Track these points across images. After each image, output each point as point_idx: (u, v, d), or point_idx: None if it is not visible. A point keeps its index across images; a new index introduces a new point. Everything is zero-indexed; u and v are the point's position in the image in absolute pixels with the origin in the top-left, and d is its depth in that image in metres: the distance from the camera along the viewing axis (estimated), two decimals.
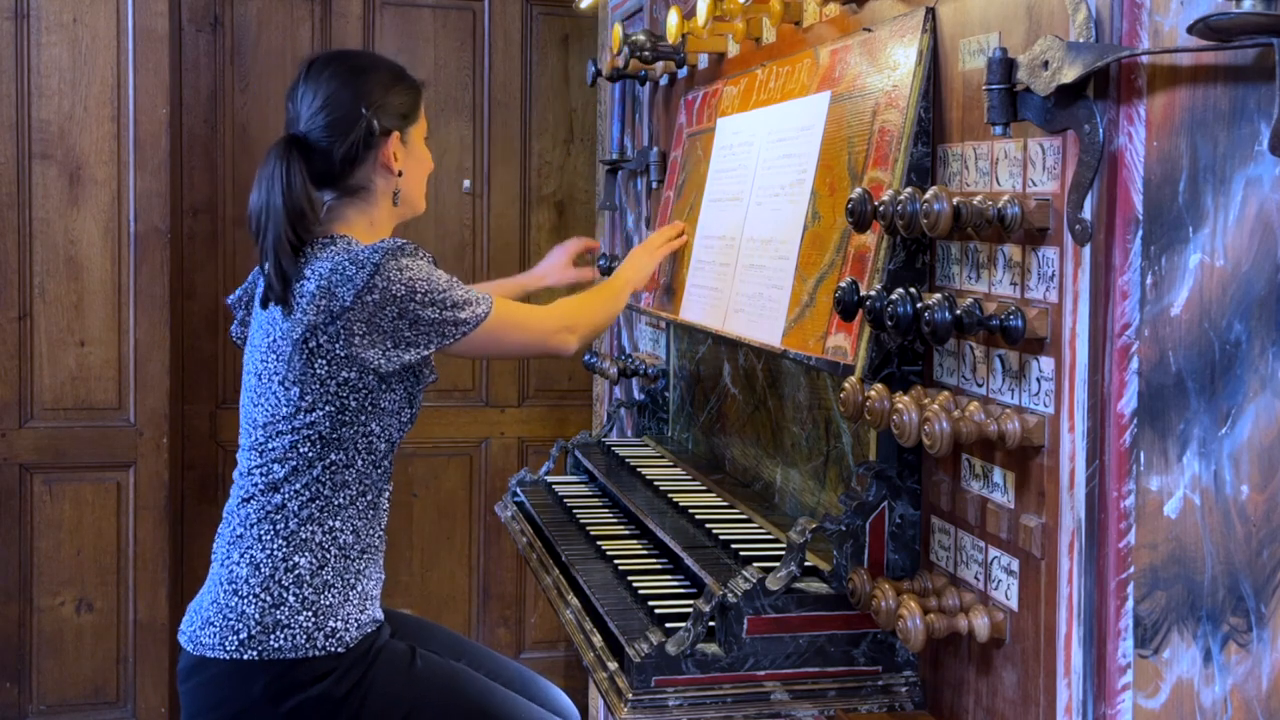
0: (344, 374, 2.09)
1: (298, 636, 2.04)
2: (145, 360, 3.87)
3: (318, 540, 2.10)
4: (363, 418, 2.12)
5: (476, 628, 4.38)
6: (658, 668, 1.69)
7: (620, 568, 2.13)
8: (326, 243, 2.16)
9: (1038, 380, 1.49)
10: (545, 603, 4.28)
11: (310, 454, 2.11)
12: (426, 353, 2.12)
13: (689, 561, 1.99)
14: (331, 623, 2.07)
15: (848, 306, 1.66)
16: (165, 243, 3.87)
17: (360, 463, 2.14)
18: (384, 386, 2.13)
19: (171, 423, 3.91)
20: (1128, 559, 1.38)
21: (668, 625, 1.81)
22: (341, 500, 2.12)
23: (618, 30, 2.92)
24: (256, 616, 2.05)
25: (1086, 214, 1.40)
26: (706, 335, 2.51)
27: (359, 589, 2.12)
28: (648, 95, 3.19)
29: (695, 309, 2.40)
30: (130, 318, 3.87)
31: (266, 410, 2.14)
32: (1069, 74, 1.36)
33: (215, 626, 2.07)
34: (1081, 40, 1.38)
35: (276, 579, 2.07)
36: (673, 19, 2.60)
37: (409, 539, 4.35)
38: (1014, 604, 1.55)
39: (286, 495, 2.10)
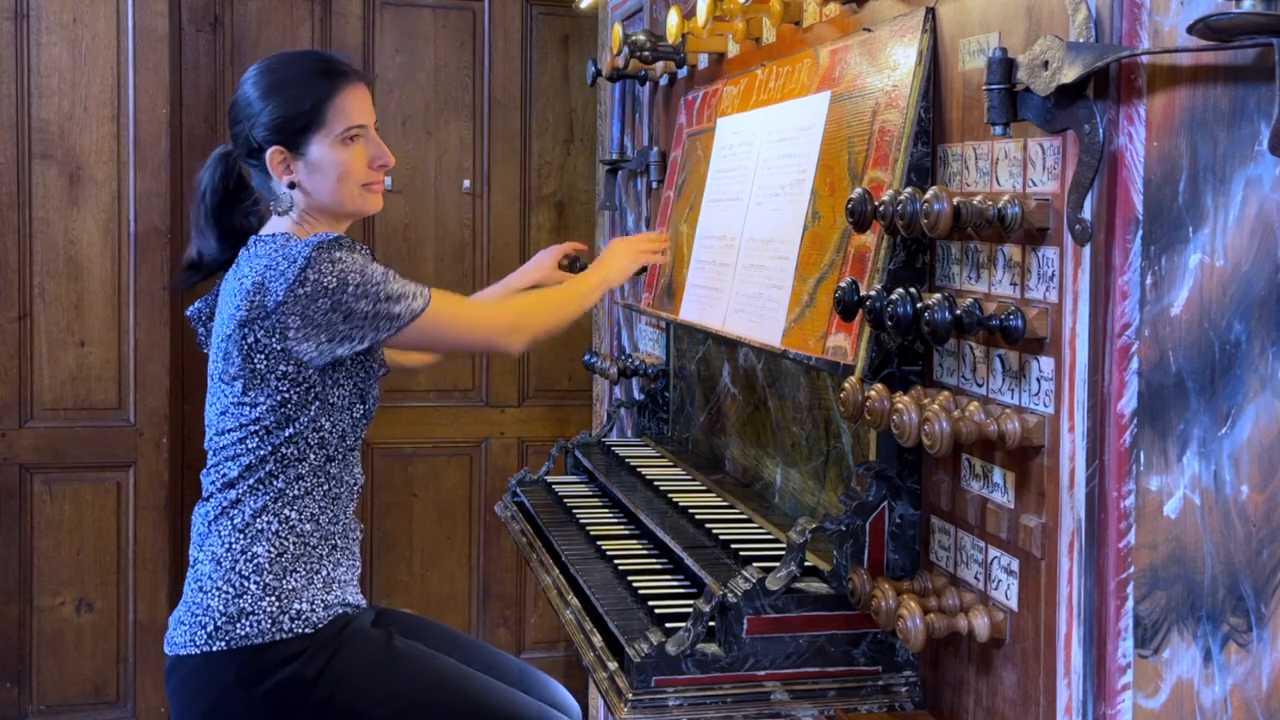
0: (282, 368, 2.10)
1: (262, 622, 2.06)
2: (145, 360, 3.87)
3: (274, 530, 2.12)
4: (310, 412, 2.13)
5: (476, 628, 4.38)
6: (658, 668, 1.69)
7: (620, 568, 2.13)
8: (267, 239, 2.18)
9: (1038, 380, 1.49)
10: (545, 603, 4.28)
11: (261, 450, 2.13)
12: (361, 346, 2.11)
13: (689, 561, 1.99)
14: (296, 605, 2.08)
15: (848, 306, 1.66)
16: (165, 243, 3.87)
17: (313, 457, 2.15)
18: (329, 381, 2.14)
19: (171, 423, 3.91)
20: (1128, 559, 1.38)
21: (668, 625, 1.81)
22: (296, 492, 2.14)
23: (618, 30, 2.92)
24: (221, 608, 2.07)
25: (1086, 214, 1.40)
26: (706, 335, 2.51)
27: (323, 574, 2.14)
28: (648, 95, 3.19)
29: (695, 309, 2.40)
30: (130, 318, 3.87)
31: (217, 408, 2.17)
32: (1069, 74, 1.36)
33: (185, 625, 2.10)
34: (1081, 40, 1.38)
35: (237, 570, 2.09)
36: (673, 19, 2.60)
37: (409, 539, 4.35)
38: (1014, 604, 1.55)
39: (241, 491, 2.12)
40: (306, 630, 2.08)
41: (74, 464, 3.87)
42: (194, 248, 2.31)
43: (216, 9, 4.09)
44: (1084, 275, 1.41)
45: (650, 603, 1.93)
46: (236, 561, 2.10)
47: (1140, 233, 1.35)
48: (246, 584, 2.08)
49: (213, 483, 2.17)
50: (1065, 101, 1.41)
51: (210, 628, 2.07)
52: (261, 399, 2.12)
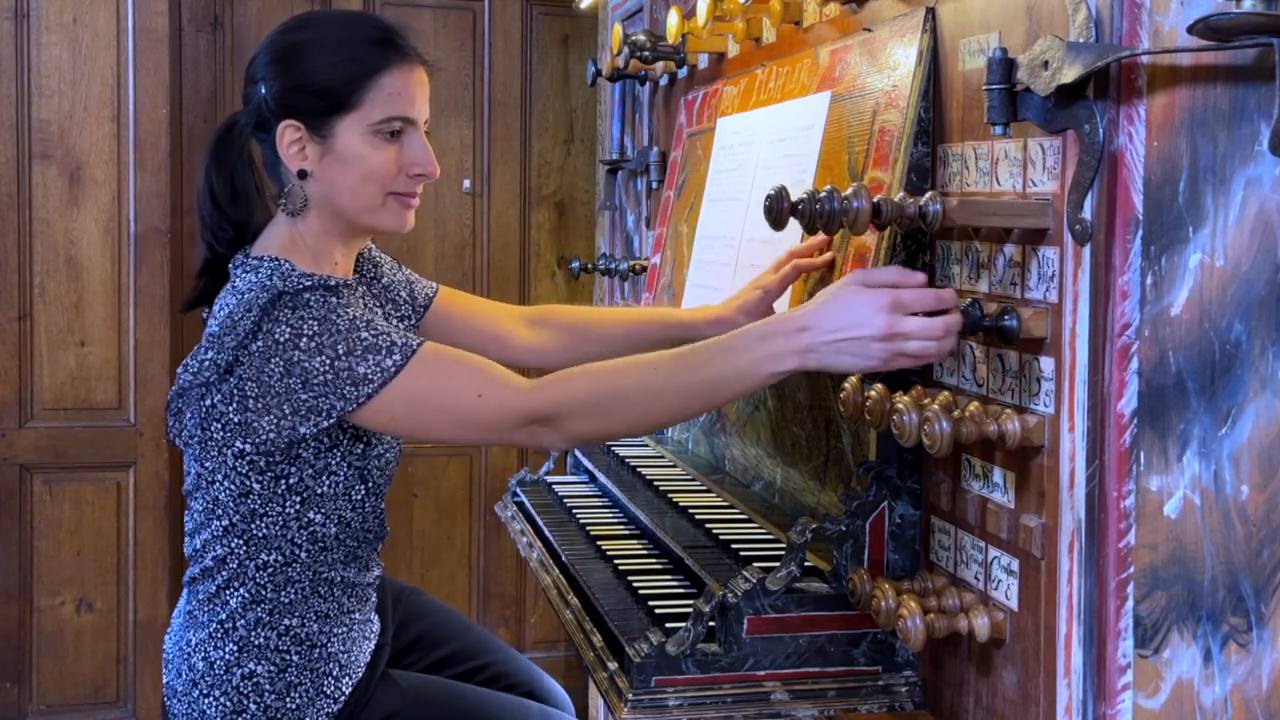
0: (238, 444, 1.73)
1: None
2: (145, 360, 3.87)
3: (273, 645, 1.85)
4: (286, 508, 1.79)
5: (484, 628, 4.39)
6: (658, 668, 1.69)
7: (620, 568, 2.13)
8: (251, 264, 1.77)
9: (1038, 380, 1.49)
10: (545, 603, 4.28)
11: (234, 545, 1.80)
12: (326, 422, 1.66)
13: (689, 561, 1.99)
14: None
15: None
16: (165, 243, 3.87)
17: (305, 555, 1.83)
18: (311, 469, 1.77)
19: None
20: (1128, 559, 1.38)
21: (668, 625, 1.81)
22: (291, 597, 1.85)
23: (618, 30, 2.92)
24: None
25: (1086, 214, 1.40)
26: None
27: (334, 671, 1.90)
28: (648, 95, 3.19)
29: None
30: (130, 318, 3.87)
31: (185, 461, 1.85)
32: (1069, 74, 1.36)
33: (182, 703, 1.89)
34: (1081, 40, 1.38)
35: (234, 684, 1.85)
36: (673, 19, 2.60)
37: (409, 539, 4.35)
38: (1014, 604, 1.55)
39: (226, 592, 1.83)
40: None
41: (74, 464, 3.87)
42: (200, 250, 1.90)
43: (216, 9, 4.09)
44: (1084, 275, 1.41)
45: (650, 603, 1.93)
46: (232, 674, 1.85)
47: (1140, 233, 1.35)
48: (245, 702, 1.85)
49: (195, 562, 1.88)
50: (1065, 101, 1.41)
51: None
52: (220, 477, 1.78)
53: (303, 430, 1.69)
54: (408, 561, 4.34)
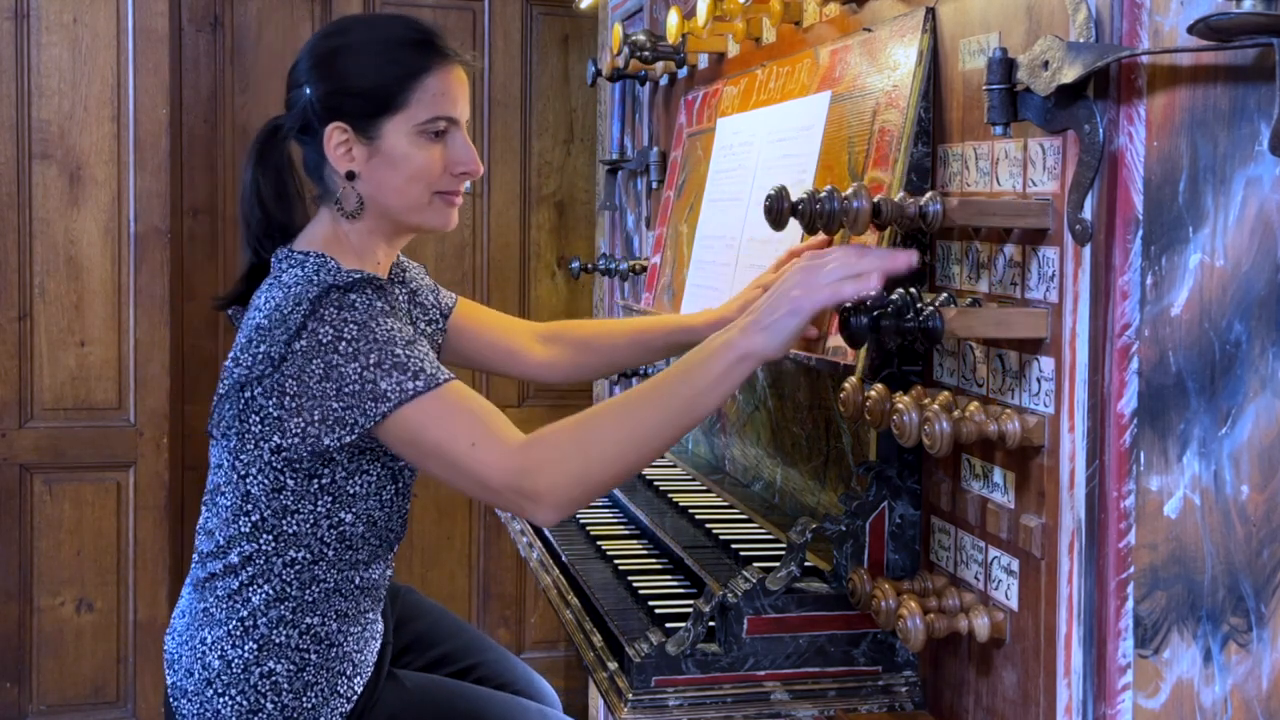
0: (275, 439, 1.73)
1: None
2: (145, 360, 3.87)
3: (294, 644, 1.85)
4: (317, 506, 1.80)
5: (476, 628, 4.38)
6: (658, 668, 1.69)
7: (620, 568, 2.13)
8: (296, 258, 1.80)
9: (1038, 380, 1.49)
10: (545, 603, 4.28)
11: (262, 543, 1.81)
12: (349, 437, 1.67)
13: (689, 561, 1.99)
14: None
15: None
16: (165, 243, 3.87)
17: (332, 553, 1.84)
18: (344, 470, 1.78)
19: (171, 423, 3.91)
20: (1128, 559, 1.38)
21: (668, 625, 1.81)
22: (315, 595, 1.85)
23: (618, 30, 2.92)
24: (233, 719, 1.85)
25: (1087, 214, 1.40)
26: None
27: (346, 670, 1.91)
28: (648, 95, 3.19)
29: (695, 309, 2.40)
30: (130, 318, 3.87)
31: (215, 454, 1.85)
32: (1069, 74, 1.36)
33: (193, 703, 1.87)
34: (1081, 40, 1.38)
35: (252, 683, 1.84)
36: (673, 19, 2.60)
37: (409, 539, 4.35)
38: (1014, 604, 1.55)
39: (249, 589, 1.84)
40: None
41: (74, 464, 3.87)
42: (245, 254, 1.90)
43: (216, 9, 4.09)
44: (1084, 275, 1.41)
45: (650, 603, 1.93)
46: (250, 673, 1.84)
47: (1140, 233, 1.35)
48: (263, 700, 1.84)
49: (215, 561, 1.87)
50: (1065, 101, 1.41)
51: None
52: (254, 471, 1.78)
53: (326, 442, 1.70)
54: (408, 561, 4.33)
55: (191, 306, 4.10)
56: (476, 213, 4.36)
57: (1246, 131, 1.24)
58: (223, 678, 1.86)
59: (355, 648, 1.93)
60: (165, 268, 3.87)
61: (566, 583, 2.19)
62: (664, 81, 3.01)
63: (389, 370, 1.66)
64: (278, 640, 1.85)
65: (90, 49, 3.82)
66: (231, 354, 1.79)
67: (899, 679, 1.76)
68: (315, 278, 1.74)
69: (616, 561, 2.16)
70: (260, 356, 1.72)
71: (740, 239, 2.25)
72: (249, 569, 1.85)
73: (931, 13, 1.73)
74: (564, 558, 2.26)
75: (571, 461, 1.65)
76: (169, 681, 1.95)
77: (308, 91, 1.82)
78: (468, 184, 1.93)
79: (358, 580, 1.91)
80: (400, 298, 1.98)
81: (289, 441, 1.72)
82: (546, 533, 2.43)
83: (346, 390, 1.67)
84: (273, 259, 1.85)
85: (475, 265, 4.36)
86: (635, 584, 2.03)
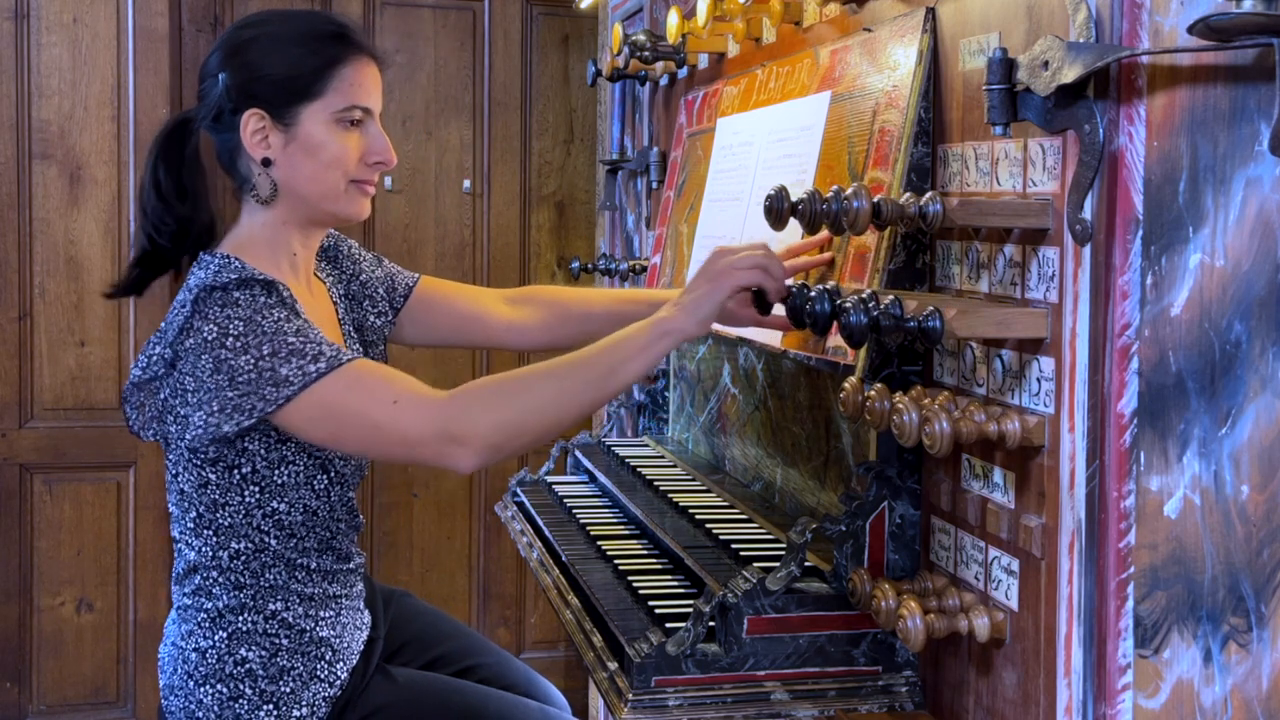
0: (188, 436, 1.77)
1: None
2: None
3: (260, 630, 1.87)
4: (245, 497, 1.82)
5: (476, 628, 4.39)
6: (658, 668, 1.69)
7: (620, 568, 2.13)
8: (207, 261, 1.83)
9: (1038, 380, 1.49)
10: (545, 603, 4.28)
11: (211, 541, 1.85)
12: (248, 422, 1.70)
13: (689, 561, 1.99)
14: (296, 711, 1.88)
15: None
16: None
17: (274, 543, 1.86)
18: (264, 460, 1.81)
19: None
20: (1128, 559, 1.38)
21: (668, 625, 1.81)
22: (270, 583, 1.88)
23: (618, 30, 2.92)
24: (216, 710, 1.87)
25: (1087, 214, 1.40)
26: (706, 335, 2.51)
27: (326, 655, 1.92)
28: (648, 95, 3.19)
29: None
30: (130, 318, 3.87)
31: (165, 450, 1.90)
32: (1069, 74, 1.36)
33: (179, 698, 1.90)
34: (1081, 40, 1.38)
35: (227, 671, 1.87)
36: (673, 19, 2.60)
37: (409, 539, 4.35)
38: (1014, 604, 1.55)
39: (210, 584, 1.87)
40: None
41: (74, 464, 3.87)
42: (139, 240, 1.92)
43: (216, 9, 4.09)
44: (1084, 275, 1.41)
45: (650, 603, 1.93)
46: (224, 663, 1.87)
47: (1140, 233, 1.35)
48: (241, 687, 1.86)
49: (179, 557, 1.91)
50: (1065, 101, 1.41)
51: None
52: (182, 471, 1.83)
53: (225, 429, 1.73)
54: (408, 561, 4.34)
55: None
56: (477, 213, 4.36)
57: (1246, 131, 1.24)
58: (200, 670, 1.88)
59: (332, 633, 1.94)
60: None
61: (566, 583, 2.19)
62: (664, 81, 3.01)
63: (286, 357, 1.69)
64: (244, 628, 1.87)
65: (90, 49, 3.82)
66: (138, 355, 1.86)
67: (899, 679, 1.76)
68: (206, 280, 1.78)
69: (616, 561, 2.16)
70: (155, 358, 1.78)
71: (740, 239, 2.25)
72: (204, 564, 1.88)
73: (931, 13, 1.73)
74: (564, 558, 2.26)
75: (497, 411, 1.70)
76: (160, 684, 1.98)
77: (222, 79, 1.83)
78: (389, 180, 1.99)
79: (314, 565, 1.92)
80: (325, 293, 2.00)
81: (194, 434, 1.76)
82: (547, 533, 2.44)
83: (240, 380, 1.70)
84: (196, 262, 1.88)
85: (475, 265, 4.36)
86: (635, 584, 2.03)
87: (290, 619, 1.90)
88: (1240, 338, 1.26)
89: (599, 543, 2.29)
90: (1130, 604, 1.38)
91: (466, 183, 4.33)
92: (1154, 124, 1.33)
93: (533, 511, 2.61)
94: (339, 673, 1.94)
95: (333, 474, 1.91)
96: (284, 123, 1.83)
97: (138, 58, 3.83)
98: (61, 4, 3.79)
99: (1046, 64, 1.39)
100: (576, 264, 3.28)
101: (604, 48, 3.76)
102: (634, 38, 2.83)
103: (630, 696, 1.68)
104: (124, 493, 3.90)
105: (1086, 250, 1.41)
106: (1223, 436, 1.28)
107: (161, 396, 1.80)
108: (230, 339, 1.71)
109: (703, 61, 2.72)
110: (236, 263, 1.81)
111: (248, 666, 1.87)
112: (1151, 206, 1.34)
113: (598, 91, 3.95)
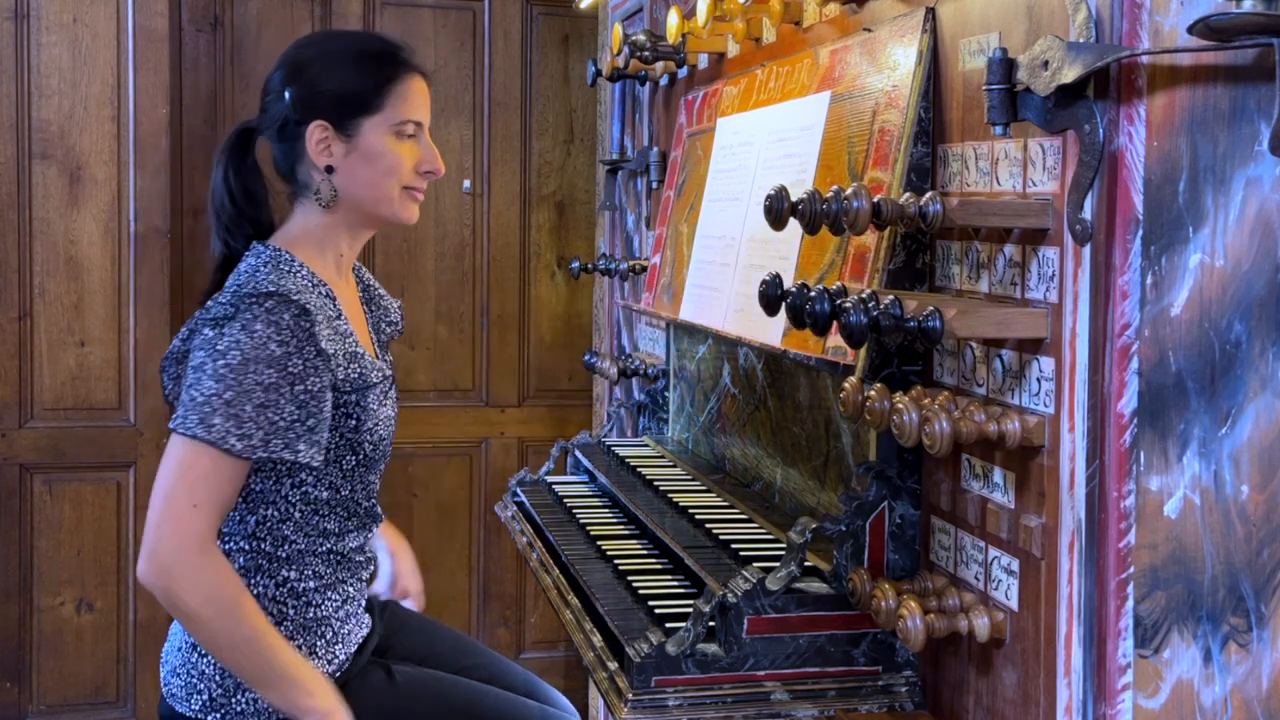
0: None
1: (259, 701, 1.90)
2: (145, 360, 3.87)
3: (270, 595, 1.94)
4: (282, 466, 1.91)
5: (476, 628, 4.38)
6: (658, 668, 1.69)
7: (620, 568, 2.13)
8: (259, 250, 1.97)
9: (1038, 380, 1.49)
10: (545, 603, 4.28)
11: (240, 507, 1.93)
12: (170, 424, 1.85)
13: (689, 561, 1.99)
14: None
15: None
16: (165, 243, 3.87)
17: (298, 515, 1.95)
18: None
19: None
20: (1128, 559, 1.38)
21: (668, 625, 1.81)
22: (288, 552, 1.95)
23: (618, 30, 2.92)
24: (217, 679, 1.92)
25: (1087, 214, 1.40)
26: (706, 335, 2.51)
27: (327, 635, 1.97)
28: (648, 95, 3.19)
29: (695, 309, 2.40)
30: (130, 318, 3.87)
31: None
32: (1069, 74, 1.36)
33: (180, 679, 1.96)
34: (1081, 40, 1.38)
35: None
36: (673, 19, 2.60)
37: (409, 539, 4.34)
38: (1014, 604, 1.55)
39: (232, 547, 1.94)
40: None
41: (74, 464, 3.87)
42: (216, 248, 2.06)
43: (216, 9, 4.09)
44: (1084, 275, 1.41)
45: (650, 603, 1.93)
46: None
47: (1140, 233, 1.35)
48: None
49: None
50: (1065, 101, 1.41)
51: (206, 695, 1.92)
52: None
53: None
54: None
55: (191, 306, 4.09)
56: (477, 213, 4.36)
57: (1246, 131, 1.24)
58: None
59: (335, 614, 1.99)
60: (165, 268, 3.87)
61: (566, 583, 2.19)
62: (664, 81, 3.01)
63: (227, 415, 1.81)
64: (255, 591, 1.92)
65: (90, 49, 3.82)
66: (182, 328, 2.00)
67: (899, 679, 1.76)
68: (259, 271, 1.92)
69: (616, 561, 2.16)
70: (191, 332, 1.94)
71: (740, 239, 2.25)
72: (229, 532, 1.95)
73: (931, 13, 1.73)
74: (564, 557, 2.26)
75: (199, 596, 1.81)
76: (162, 676, 2.01)
77: (288, 94, 1.98)
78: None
79: (329, 547, 1.99)
80: (344, 304, 2.08)
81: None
82: (547, 533, 2.44)
83: (195, 392, 1.83)
84: (249, 250, 2.01)
85: (475, 265, 4.36)
86: (635, 584, 2.03)
87: (300, 589, 1.96)
88: (1240, 338, 1.26)
89: (599, 543, 2.29)
90: (1130, 604, 1.38)
91: (466, 183, 4.33)
92: (1154, 124, 1.33)
93: (533, 511, 2.61)
94: (337, 654, 1.98)
95: (361, 456, 1.99)
96: (346, 133, 1.97)
97: (138, 58, 3.83)
98: (61, 4, 3.79)
99: (1046, 64, 1.39)
100: (576, 264, 3.28)
101: (604, 48, 3.76)
102: (634, 38, 2.83)
103: (630, 696, 1.68)
104: (124, 493, 3.90)
105: (1086, 250, 1.41)
106: (1223, 436, 1.28)
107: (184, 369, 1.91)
108: (221, 362, 1.83)
109: (703, 61, 2.72)
110: (285, 254, 1.96)
111: None
112: (1151, 206, 1.34)
113: (598, 91, 3.95)
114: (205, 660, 1.92)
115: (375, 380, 1.99)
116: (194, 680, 1.94)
